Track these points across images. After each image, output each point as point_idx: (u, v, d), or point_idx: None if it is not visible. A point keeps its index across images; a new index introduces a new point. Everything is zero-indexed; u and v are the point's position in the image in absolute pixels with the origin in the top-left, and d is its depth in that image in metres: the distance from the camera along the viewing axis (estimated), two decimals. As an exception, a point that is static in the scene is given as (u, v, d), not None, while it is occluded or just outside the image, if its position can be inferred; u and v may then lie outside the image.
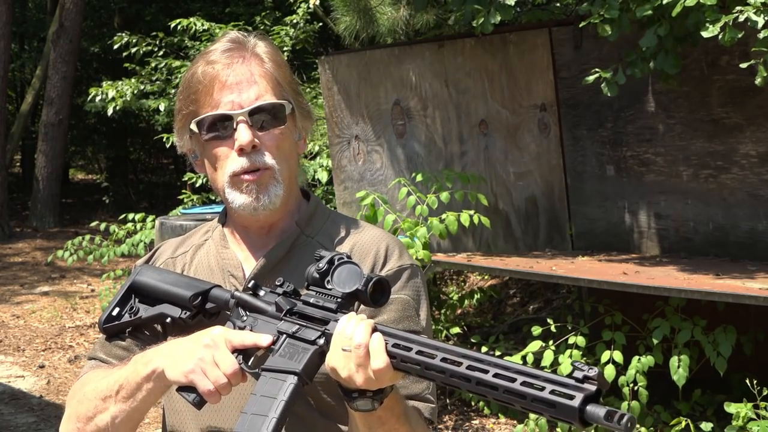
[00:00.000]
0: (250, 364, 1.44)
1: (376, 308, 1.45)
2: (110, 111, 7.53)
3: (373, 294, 1.39)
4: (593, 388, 1.17)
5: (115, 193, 15.50)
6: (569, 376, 1.19)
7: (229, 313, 1.53)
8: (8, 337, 7.56)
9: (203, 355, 1.42)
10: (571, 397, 1.17)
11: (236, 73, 1.55)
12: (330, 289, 1.42)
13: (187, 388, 1.45)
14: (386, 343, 1.32)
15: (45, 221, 13.55)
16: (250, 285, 1.52)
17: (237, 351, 1.43)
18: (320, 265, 1.42)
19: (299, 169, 1.67)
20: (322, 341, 1.39)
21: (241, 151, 1.54)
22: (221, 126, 1.55)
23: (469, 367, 1.25)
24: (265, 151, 1.55)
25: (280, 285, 1.49)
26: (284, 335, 1.42)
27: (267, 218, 1.60)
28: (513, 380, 1.21)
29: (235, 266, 1.63)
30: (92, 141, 17.30)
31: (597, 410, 1.15)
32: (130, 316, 1.62)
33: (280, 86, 1.58)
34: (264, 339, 1.43)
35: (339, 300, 1.41)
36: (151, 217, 6.60)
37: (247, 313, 1.49)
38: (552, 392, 1.18)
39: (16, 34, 16.34)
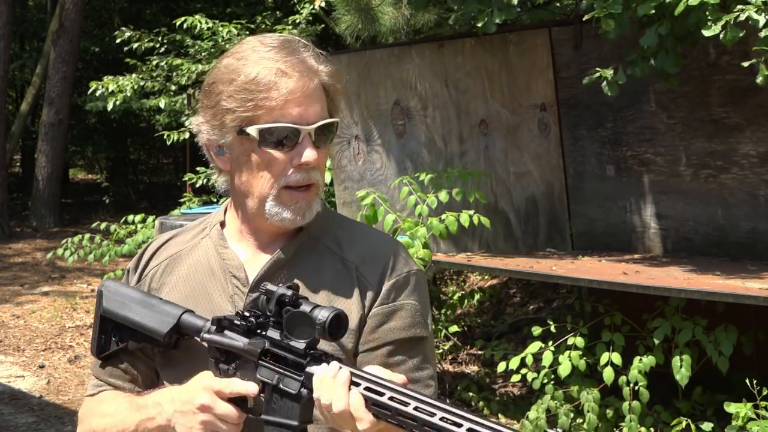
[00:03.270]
0: (249, 409, 1.46)
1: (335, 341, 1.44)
2: (110, 105, 7.51)
3: (331, 335, 1.38)
4: None
5: (115, 193, 15.50)
6: None
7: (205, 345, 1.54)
8: (8, 337, 7.56)
9: (201, 416, 1.45)
10: None
11: (308, 87, 1.54)
12: (289, 338, 1.42)
13: None
14: (366, 401, 1.32)
15: (45, 221, 13.55)
16: (211, 325, 1.52)
17: (230, 400, 1.46)
18: (270, 307, 1.43)
19: None
20: (305, 392, 1.40)
21: (300, 166, 1.54)
22: (285, 138, 1.54)
23: (442, 419, 1.25)
24: (317, 167, 1.57)
25: (242, 318, 1.48)
26: (268, 385, 1.44)
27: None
28: None
29: (236, 267, 1.61)
30: (92, 141, 17.30)
31: None
32: (118, 345, 1.64)
33: (333, 103, 1.60)
34: (251, 389, 1.44)
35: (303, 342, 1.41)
36: (151, 217, 6.59)
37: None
38: None
39: (16, 34, 16.33)
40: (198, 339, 1.54)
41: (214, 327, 1.51)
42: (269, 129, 1.53)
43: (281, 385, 1.42)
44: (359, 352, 1.56)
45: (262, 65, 1.54)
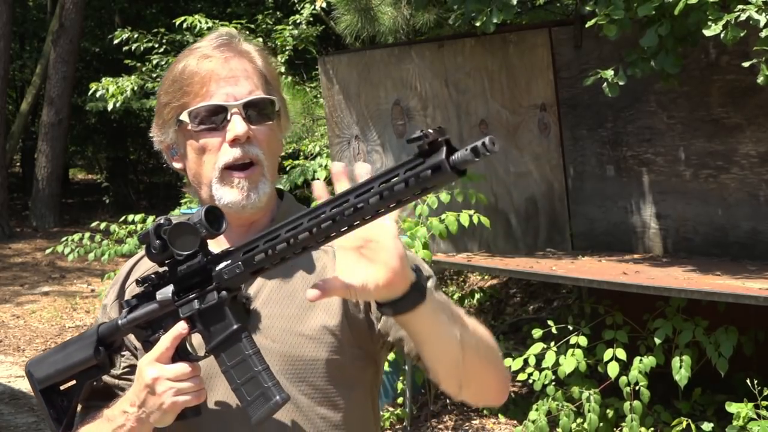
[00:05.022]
0: (196, 355, 1.46)
1: (219, 234, 1.44)
2: (110, 105, 7.49)
3: (211, 228, 1.40)
4: (443, 144, 1.18)
5: (115, 193, 15.51)
6: (418, 154, 1.18)
7: (134, 342, 1.54)
8: (8, 337, 7.57)
9: (159, 388, 1.43)
10: (438, 167, 1.17)
11: (232, 67, 1.58)
12: (180, 254, 1.42)
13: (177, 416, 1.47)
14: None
15: (45, 221, 13.55)
16: (123, 302, 1.53)
17: (173, 358, 1.45)
18: (154, 244, 1.43)
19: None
20: (224, 293, 1.40)
21: (234, 142, 1.56)
22: (215, 117, 1.57)
23: (351, 212, 1.23)
24: (256, 144, 1.58)
25: (143, 283, 1.49)
26: (193, 316, 1.43)
27: (251, 216, 1.62)
28: (382, 195, 1.20)
29: None
30: (92, 141, 17.30)
31: (462, 155, 1.18)
32: (67, 408, 1.61)
33: (269, 84, 1.62)
34: (180, 328, 1.44)
35: (194, 255, 1.41)
36: (151, 217, 6.59)
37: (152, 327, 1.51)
38: (417, 177, 1.18)
39: (16, 34, 16.34)
40: (124, 339, 1.54)
41: (125, 312, 1.51)
42: (196, 110, 1.57)
43: (203, 305, 1.42)
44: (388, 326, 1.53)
45: (190, 57, 1.60)
